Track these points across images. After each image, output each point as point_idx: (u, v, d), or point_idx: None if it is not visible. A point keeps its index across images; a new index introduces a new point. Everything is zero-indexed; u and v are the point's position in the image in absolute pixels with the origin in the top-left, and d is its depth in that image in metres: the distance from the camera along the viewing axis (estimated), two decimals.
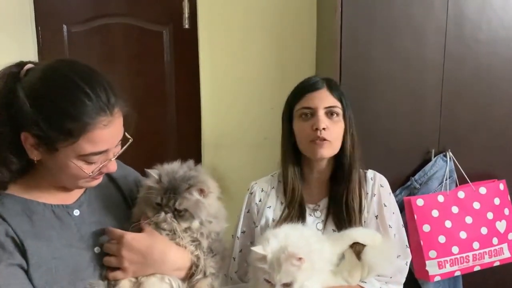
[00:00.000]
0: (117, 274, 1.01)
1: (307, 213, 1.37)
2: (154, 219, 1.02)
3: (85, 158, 0.94)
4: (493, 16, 1.90)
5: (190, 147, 2.47)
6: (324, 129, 1.30)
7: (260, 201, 1.43)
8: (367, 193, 1.38)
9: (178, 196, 1.01)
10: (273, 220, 1.38)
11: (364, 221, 1.35)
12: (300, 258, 1.04)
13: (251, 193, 1.44)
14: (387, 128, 1.94)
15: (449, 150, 1.93)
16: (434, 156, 1.93)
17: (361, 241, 1.19)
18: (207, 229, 1.05)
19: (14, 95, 0.92)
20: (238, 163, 2.42)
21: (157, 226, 1.03)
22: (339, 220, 1.33)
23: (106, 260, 1.01)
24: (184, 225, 1.03)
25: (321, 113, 1.33)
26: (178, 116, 2.53)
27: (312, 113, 1.34)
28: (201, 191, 1.03)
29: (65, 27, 2.43)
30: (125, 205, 1.12)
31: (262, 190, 1.44)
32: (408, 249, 1.41)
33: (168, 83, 2.50)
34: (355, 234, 1.21)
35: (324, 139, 1.31)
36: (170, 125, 2.54)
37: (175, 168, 1.06)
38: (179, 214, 1.02)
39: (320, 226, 1.36)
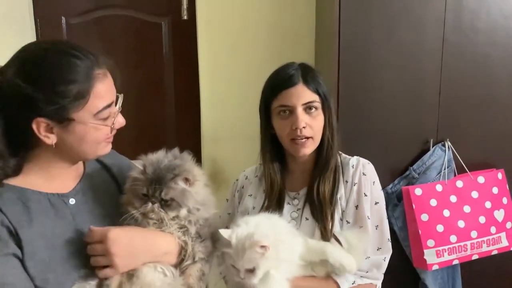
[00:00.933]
0: (108, 272, 0.98)
1: (286, 202, 1.34)
2: (141, 209, 1.02)
3: (100, 114, 0.96)
4: (492, 5, 1.90)
5: (190, 140, 2.46)
6: (305, 127, 1.26)
7: (242, 187, 1.42)
8: (347, 181, 1.32)
9: (163, 187, 1.00)
10: (254, 208, 1.36)
11: (343, 211, 1.30)
12: (263, 246, 1.03)
13: (236, 180, 1.44)
14: (385, 118, 1.94)
15: (448, 139, 1.93)
16: (433, 146, 1.94)
17: (331, 263, 1.16)
18: (195, 217, 1.05)
19: (11, 91, 0.91)
20: (237, 156, 2.42)
21: (145, 216, 1.03)
22: (312, 207, 1.30)
23: (94, 261, 0.98)
24: (172, 214, 1.03)
25: (300, 110, 1.26)
26: (177, 108, 2.53)
27: (290, 110, 1.28)
28: (186, 180, 1.03)
29: (63, 19, 2.42)
30: (119, 193, 1.12)
31: (246, 178, 1.43)
32: (389, 243, 1.32)
33: (167, 75, 2.50)
34: (329, 253, 1.17)
35: (306, 137, 1.28)
36: (169, 118, 2.54)
37: (160, 157, 1.05)
38: (166, 204, 1.01)
39: (295, 214, 1.33)
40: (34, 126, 0.93)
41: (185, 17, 2.40)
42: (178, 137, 2.54)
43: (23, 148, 0.97)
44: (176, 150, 1.09)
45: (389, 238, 1.33)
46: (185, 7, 2.39)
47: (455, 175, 1.94)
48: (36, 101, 0.91)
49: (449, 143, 1.93)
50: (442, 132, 1.95)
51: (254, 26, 2.35)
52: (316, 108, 1.28)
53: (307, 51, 2.35)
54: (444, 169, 1.91)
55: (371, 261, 1.28)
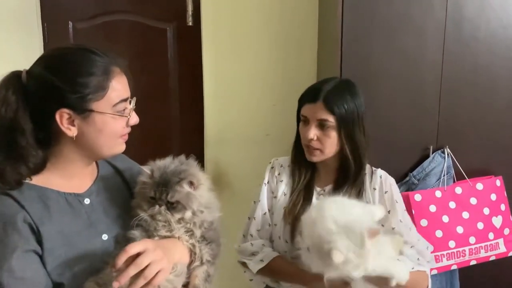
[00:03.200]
0: (162, 276, 0.97)
1: (315, 196, 1.49)
2: (149, 212, 1.06)
3: (117, 106, 1.04)
4: (492, 15, 1.94)
5: (193, 143, 2.50)
6: (313, 139, 1.42)
7: (278, 174, 1.55)
8: (375, 189, 1.48)
9: (169, 190, 1.05)
10: (285, 194, 1.51)
11: None
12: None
13: (272, 167, 1.58)
14: (386, 124, 1.97)
15: (447, 146, 1.96)
16: (432, 153, 1.97)
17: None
18: (199, 219, 1.10)
19: (39, 83, 0.99)
20: (240, 159, 2.46)
21: (153, 218, 1.07)
22: None
23: (148, 273, 0.93)
24: (177, 216, 1.07)
25: (313, 124, 1.42)
26: (181, 112, 2.56)
27: (307, 121, 1.44)
28: (191, 184, 1.08)
29: (70, 23, 2.46)
30: (130, 196, 1.17)
31: (281, 166, 1.57)
32: (425, 240, 1.54)
33: (172, 80, 2.54)
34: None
35: (314, 148, 1.43)
36: (173, 122, 2.57)
37: (167, 163, 1.11)
38: (171, 206, 1.06)
39: None
40: (57, 117, 0.99)
41: (190, 23, 2.44)
42: (182, 140, 2.58)
43: (45, 145, 1.03)
44: (182, 157, 1.15)
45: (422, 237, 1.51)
46: (190, 13, 2.42)
47: (454, 181, 1.97)
48: (61, 91, 0.98)
49: (449, 150, 1.96)
50: (441, 139, 1.98)
51: (258, 33, 2.39)
52: (328, 126, 1.41)
53: (310, 57, 2.39)
54: (444, 175, 1.94)
55: (416, 249, 1.44)
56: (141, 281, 0.93)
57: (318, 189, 1.51)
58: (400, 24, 1.92)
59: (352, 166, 1.45)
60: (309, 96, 1.46)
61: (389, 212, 1.45)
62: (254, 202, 1.58)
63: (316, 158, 1.45)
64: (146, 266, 0.93)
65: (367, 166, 1.51)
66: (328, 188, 1.50)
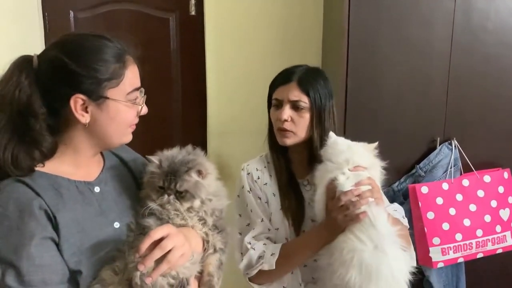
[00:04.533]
0: (184, 259, 0.98)
1: (302, 189, 1.45)
2: (158, 201, 1.07)
3: (131, 95, 1.03)
4: (501, 5, 1.91)
5: (195, 135, 2.48)
6: (287, 120, 1.39)
7: (258, 178, 1.48)
8: None
9: (178, 179, 1.06)
10: (274, 195, 1.45)
11: None
12: None
13: (248, 173, 1.48)
14: (393, 116, 1.95)
15: (454, 138, 1.95)
16: (439, 144, 1.95)
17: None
18: (209, 207, 1.10)
19: (55, 66, 0.98)
20: (242, 151, 2.42)
21: (162, 207, 1.07)
22: None
23: (172, 256, 0.95)
24: (186, 205, 1.07)
25: (287, 105, 1.39)
26: (184, 103, 2.54)
27: (281, 104, 1.41)
28: (200, 173, 1.09)
29: (72, 12, 2.43)
30: (135, 186, 1.17)
31: (257, 170, 1.49)
32: None
33: (174, 70, 2.51)
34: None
35: (286, 130, 1.40)
36: (175, 113, 2.55)
37: (175, 153, 1.12)
38: (180, 195, 1.06)
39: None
40: (72, 103, 0.98)
41: (193, 13, 2.41)
42: (184, 131, 2.56)
43: (54, 131, 1.02)
44: (189, 147, 1.15)
45: None
46: (193, 2, 2.40)
47: (461, 174, 1.95)
48: (77, 76, 0.97)
49: (456, 142, 1.94)
50: (449, 131, 1.96)
51: (261, 22, 2.36)
52: (302, 108, 1.39)
53: (314, 47, 2.36)
54: (451, 167, 1.92)
55: (398, 213, 1.42)
56: (165, 265, 0.94)
57: (300, 180, 1.47)
58: (408, 14, 1.89)
59: (314, 153, 1.39)
60: (282, 79, 1.43)
61: None
62: (240, 215, 1.47)
63: (289, 140, 1.40)
64: (169, 250, 0.95)
65: None
66: (310, 177, 1.44)
